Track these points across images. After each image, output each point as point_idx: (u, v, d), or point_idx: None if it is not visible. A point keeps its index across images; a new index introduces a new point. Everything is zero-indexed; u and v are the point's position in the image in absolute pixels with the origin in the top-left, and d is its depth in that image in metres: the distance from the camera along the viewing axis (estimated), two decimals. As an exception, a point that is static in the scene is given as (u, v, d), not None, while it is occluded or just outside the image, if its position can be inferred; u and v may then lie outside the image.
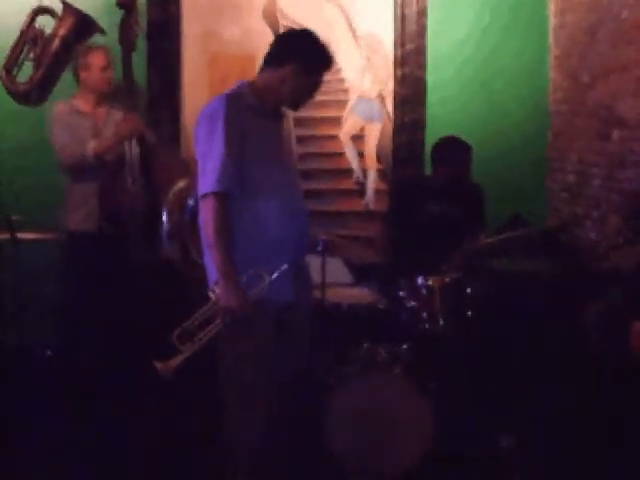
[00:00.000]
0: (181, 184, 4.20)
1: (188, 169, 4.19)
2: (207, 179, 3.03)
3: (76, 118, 4.53)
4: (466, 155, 4.64)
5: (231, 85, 3.28)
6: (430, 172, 4.81)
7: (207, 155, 3.05)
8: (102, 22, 4.71)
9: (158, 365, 3.02)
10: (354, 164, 5.49)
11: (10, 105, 4.85)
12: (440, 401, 3.84)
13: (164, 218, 4.25)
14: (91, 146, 4.38)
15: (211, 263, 3.09)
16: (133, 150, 4.37)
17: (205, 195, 3.02)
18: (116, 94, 4.60)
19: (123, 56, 4.40)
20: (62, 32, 4.70)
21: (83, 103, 4.59)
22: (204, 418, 3.91)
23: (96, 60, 4.54)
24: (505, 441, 3.86)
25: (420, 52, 5.35)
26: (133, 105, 4.43)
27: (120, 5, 4.39)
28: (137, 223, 4.32)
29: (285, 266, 3.07)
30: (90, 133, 4.49)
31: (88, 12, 4.82)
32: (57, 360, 4.62)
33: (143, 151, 4.37)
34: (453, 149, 4.66)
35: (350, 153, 5.49)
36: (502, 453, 3.82)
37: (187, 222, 3.83)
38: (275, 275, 3.06)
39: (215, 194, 3.01)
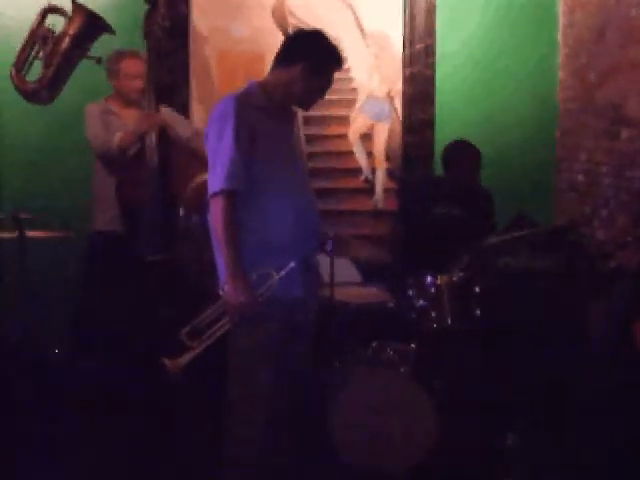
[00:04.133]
0: (200, 179, 4.18)
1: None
2: (217, 178, 3.03)
3: (107, 116, 4.57)
4: (475, 159, 4.66)
5: (239, 84, 3.29)
6: (440, 174, 4.83)
7: (217, 155, 3.06)
8: (125, 15, 4.75)
9: (167, 362, 3.03)
10: (363, 163, 5.49)
11: (22, 105, 4.86)
12: (447, 400, 3.85)
13: (181, 214, 4.26)
14: (116, 139, 4.41)
15: (221, 261, 3.10)
16: (153, 145, 4.40)
17: (214, 194, 3.03)
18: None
19: (147, 49, 4.42)
20: (72, 31, 4.70)
21: (114, 104, 4.64)
22: (212, 415, 3.93)
23: (125, 68, 4.55)
24: (510, 440, 3.87)
25: (429, 51, 5.35)
26: (155, 99, 4.46)
27: None
28: (152, 219, 4.35)
29: (292, 264, 3.08)
30: (120, 131, 4.51)
31: (111, 4, 4.87)
32: (66, 358, 4.63)
33: (162, 146, 4.39)
34: (462, 153, 4.67)
35: (359, 152, 5.49)
36: (507, 452, 3.82)
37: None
38: (283, 273, 3.07)
39: (224, 192, 3.01)
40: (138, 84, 4.55)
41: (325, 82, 3.26)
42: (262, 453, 3.19)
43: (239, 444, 3.19)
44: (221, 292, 3.07)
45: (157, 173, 4.41)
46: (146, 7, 4.49)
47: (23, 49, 4.76)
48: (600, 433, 3.79)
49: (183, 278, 4.35)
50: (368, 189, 5.51)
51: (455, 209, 4.63)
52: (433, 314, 4.08)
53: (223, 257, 3.05)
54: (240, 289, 3.00)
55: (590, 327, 4.14)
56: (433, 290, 4.10)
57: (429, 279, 4.12)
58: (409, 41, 5.35)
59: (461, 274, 4.11)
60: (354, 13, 5.40)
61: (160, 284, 4.34)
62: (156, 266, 4.30)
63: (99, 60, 4.66)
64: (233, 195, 3.03)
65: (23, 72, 4.78)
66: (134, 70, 4.55)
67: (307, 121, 5.38)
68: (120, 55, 4.59)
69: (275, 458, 3.27)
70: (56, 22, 4.73)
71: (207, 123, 3.17)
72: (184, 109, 5.32)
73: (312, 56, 3.19)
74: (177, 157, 4.46)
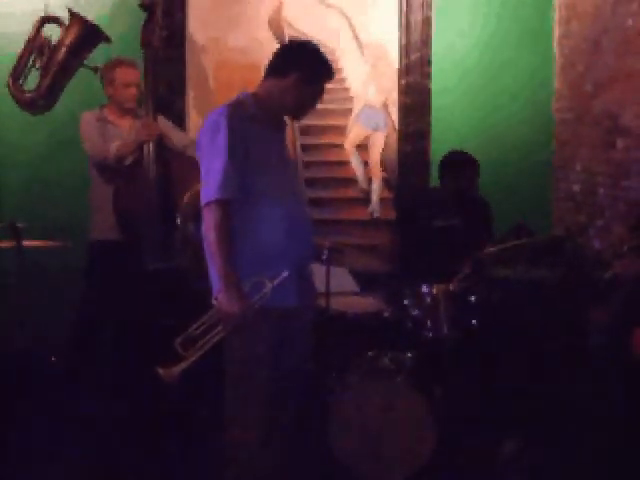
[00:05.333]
0: (196, 188, 4.17)
1: None
2: (209, 188, 3.04)
3: (102, 125, 4.57)
4: (473, 170, 4.67)
5: (236, 93, 3.29)
6: (437, 184, 4.83)
7: (209, 164, 3.06)
8: (122, 24, 4.76)
9: (161, 372, 3.03)
10: (359, 173, 5.50)
11: (23, 116, 4.88)
12: (443, 409, 3.85)
13: (178, 222, 4.26)
14: (114, 147, 4.41)
15: (214, 271, 3.10)
16: (151, 154, 4.40)
17: (207, 203, 3.03)
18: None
19: (145, 59, 4.43)
20: (68, 41, 4.72)
21: (110, 113, 4.63)
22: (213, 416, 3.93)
23: (120, 76, 4.55)
24: (508, 447, 3.87)
25: (425, 61, 5.36)
26: (153, 109, 4.47)
27: (143, 7, 4.43)
28: (151, 228, 4.35)
29: (286, 273, 3.07)
30: (115, 140, 4.51)
31: (108, 14, 4.86)
32: (62, 366, 4.63)
33: (161, 155, 4.40)
34: (460, 164, 4.68)
35: (355, 162, 5.49)
36: (505, 459, 3.82)
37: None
38: (276, 282, 3.06)
39: (217, 202, 3.01)
40: (132, 92, 4.56)
41: (317, 92, 3.27)
42: (260, 455, 3.19)
43: (237, 446, 3.20)
44: (214, 301, 3.08)
45: (155, 182, 4.41)
46: (143, 16, 4.50)
47: (20, 58, 4.78)
48: (600, 441, 3.79)
49: (184, 287, 4.34)
50: (364, 198, 5.51)
51: (454, 219, 4.64)
52: (429, 323, 4.09)
53: (216, 266, 3.05)
54: (234, 298, 2.99)
55: (589, 335, 4.14)
56: (429, 300, 4.11)
57: (425, 289, 4.13)
58: (405, 51, 5.35)
59: (457, 284, 4.12)
60: (351, 23, 5.41)
61: (161, 293, 4.34)
62: (157, 275, 4.30)
63: (96, 69, 4.67)
64: (226, 204, 3.03)
65: (20, 81, 4.80)
66: (129, 78, 4.55)
67: (303, 131, 5.39)
68: (115, 63, 4.59)
69: (273, 460, 3.27)
70: (53, 32, 4.74)
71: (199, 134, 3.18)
72: (181, 118, 5.33)
73: (304, 66, 3.20)
74: (175, 166, 4.46)
